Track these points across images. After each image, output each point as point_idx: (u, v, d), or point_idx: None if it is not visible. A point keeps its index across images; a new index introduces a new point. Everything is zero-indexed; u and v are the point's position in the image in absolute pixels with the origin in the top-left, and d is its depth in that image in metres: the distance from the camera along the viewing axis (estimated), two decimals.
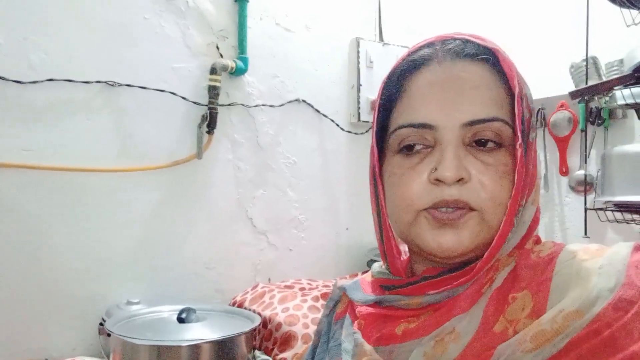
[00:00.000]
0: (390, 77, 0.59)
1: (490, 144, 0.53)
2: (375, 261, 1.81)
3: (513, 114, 0.53)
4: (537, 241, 0.56)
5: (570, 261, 0.49)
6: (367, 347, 0.56)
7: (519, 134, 0.52)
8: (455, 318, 0.51)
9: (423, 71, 0.55)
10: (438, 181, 0.52)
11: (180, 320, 1.23)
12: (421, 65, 0.56)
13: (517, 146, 0.52)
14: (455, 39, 0.56)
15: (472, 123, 0.52)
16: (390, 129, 0.57)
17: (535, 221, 0.56)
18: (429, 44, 0.57)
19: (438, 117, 0.53)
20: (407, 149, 0.55)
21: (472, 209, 0.52)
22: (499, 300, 0.50)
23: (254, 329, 1.24)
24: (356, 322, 0.61)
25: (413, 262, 0.61)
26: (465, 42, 0.55)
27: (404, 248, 0.61)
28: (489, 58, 0.54)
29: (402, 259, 0.61)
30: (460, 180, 0.51)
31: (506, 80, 0.54)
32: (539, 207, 0.57)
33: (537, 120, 1.71)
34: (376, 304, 0.60)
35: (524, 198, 0.54)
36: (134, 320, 1.25)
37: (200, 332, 1.19)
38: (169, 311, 1.30)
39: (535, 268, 0.51)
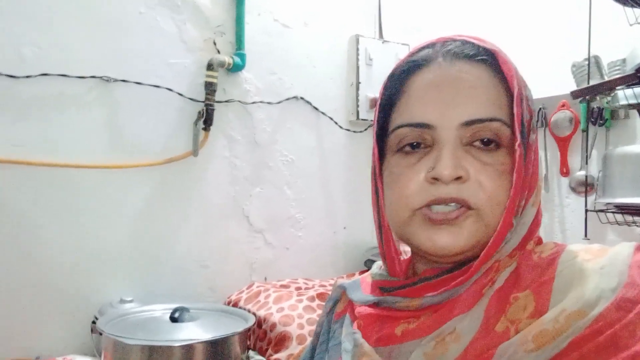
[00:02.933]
0: (390, 77, 0.59)
1: (488, 144, 0.53)
2: (373, 261, 1.80)
3: (512, 114, 0.52)
4: (539, 242, 0.56)
5: (572, 261, 0.49)
6: (367, 347, 0.55)
7: (518, 134, 0.52)
8: (455, 318, 0.51)
9: (422, 72, 0.55)
10: (435, 180, 0.52)
11: (173, 319, 1.21)
12: (421, 66, 0.56)
13: (516, 146, 0.51)
14: (455, 40, 0.56)
15: (470, 123, 0.52)
16: (389, 128, 0.58)
17: (535, 223, 0.56)
18: (430, 45, 0.57)
19: (436, 117, 0.53)
20: (406, 149, 0.55)
21: (469, 208, 0.51)
22: (501, 300, 0.50)
23: (248, 329, 1.23)
24: (355, 322, 0.60)
25: (414, 263, 0.61)
26: (465, 43, 0.55)
27: (404, 249, 0.61)
28: (488, 59, 0.54)
29: (402, 259, 0.61)
30: (458, 179, 0.51)
31: (506, 82, 0.54)
32: (540, 209, 0.57)
33: (537, 120, 1.69)
34: (375, 304, 0.59)
35: (524, 199, 0.53)
36: (127, 319, 1.23)
37: (193, 332, 1.17)
38: (162, 310, 1.28)
39: (537, 268, 0.51)
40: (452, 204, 0.52)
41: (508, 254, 0.53)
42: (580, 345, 0.43)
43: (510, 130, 0.53)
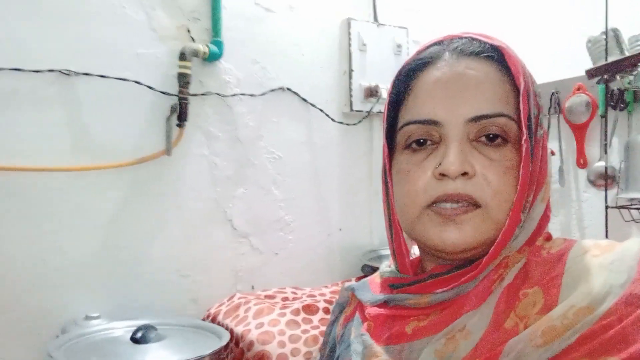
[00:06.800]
0: (398, 75, 0.60)
1: (495, 140, 0.53)
2: (370, 266, 1.63)
3: (519, 110, 0.53)
4: (548, 238, 0.56)
5: (581, 257, 0.49)
6: (377, 348, 0.56)
7: (525, 130, 0.52)
8: (465, 315, 0.51)
9: (429, 69, 0.57)
10: (442, 175, 0.53)
11: (135, 340, 1.07)
12: (428, 64, 0.57)
13: (523, 142, 0.52)
14: (461, 38, 0.57)
15: (476, 119, 0.53)
16: (398, 126, 0.59)
17: (544, 218, 0.56)
18: (436, 43, 0.59)
19: (443, 113, 0.54)
20: (414, 146, 0.56)
21: (476, 205, 0.52)
22: (510, 296, 0.50)
23: (219, 351, 1.08)
24: (365, 323, 0.61)
25: (423, 261, 0.62)
26: (472, 40, 0.57)
27: (413, 248, 0.61)
28: (495, 56, 0.55)
29: (411, 258, 0.61)
30: (464, 175, 0.52)
31: (513, 78, 0.55)
32: (549, 205, 0.57)
33: (550, 107, 1.51)
34: (385, 303, 0.60)
35: (531, 194, 0.54)
36: (82, 341, 1.10)
37: (156, 355, 1.03)
38: (124, 329, 1.15)
39: (546, 265, 0.51)
40: (460, 202, 0.52)
41: (517, 250, 0.53)
42: (588, 340, 0.43)
43: (517, 126, 0.53)
